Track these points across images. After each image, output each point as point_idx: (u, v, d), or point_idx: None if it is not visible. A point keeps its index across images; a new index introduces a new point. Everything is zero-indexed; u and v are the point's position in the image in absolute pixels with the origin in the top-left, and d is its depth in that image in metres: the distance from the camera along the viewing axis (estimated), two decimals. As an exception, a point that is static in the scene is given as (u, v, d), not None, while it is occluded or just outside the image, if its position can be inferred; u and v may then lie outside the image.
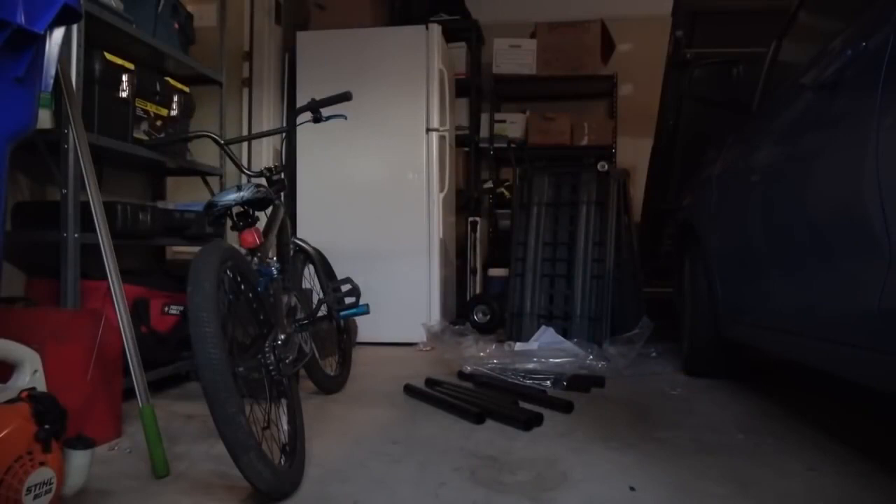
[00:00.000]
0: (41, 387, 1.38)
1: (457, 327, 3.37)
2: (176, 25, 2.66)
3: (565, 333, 3.19)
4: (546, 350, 2.95)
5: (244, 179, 2.46)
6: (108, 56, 2.21)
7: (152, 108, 2.44)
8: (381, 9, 4.35)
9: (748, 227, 2.28)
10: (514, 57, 4.87)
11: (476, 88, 4.98)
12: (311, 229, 3.63)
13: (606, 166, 3.59)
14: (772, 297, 2.10)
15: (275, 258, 2.09)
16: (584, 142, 4.93)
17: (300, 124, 2.47)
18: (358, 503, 1.47)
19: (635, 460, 1.75)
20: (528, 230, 3.53)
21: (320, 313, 2.63)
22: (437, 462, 1.73)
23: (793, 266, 1.89)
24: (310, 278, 2.66)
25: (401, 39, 3.85)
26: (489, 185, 5.09)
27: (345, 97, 2.40)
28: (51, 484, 1.26)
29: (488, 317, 4.23)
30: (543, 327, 3.20)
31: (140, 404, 1.68)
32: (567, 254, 3.43)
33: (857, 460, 1.76)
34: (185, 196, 3.19)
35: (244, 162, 3.32)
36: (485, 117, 5.10)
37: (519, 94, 5.27)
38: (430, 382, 2.64)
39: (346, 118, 2.46)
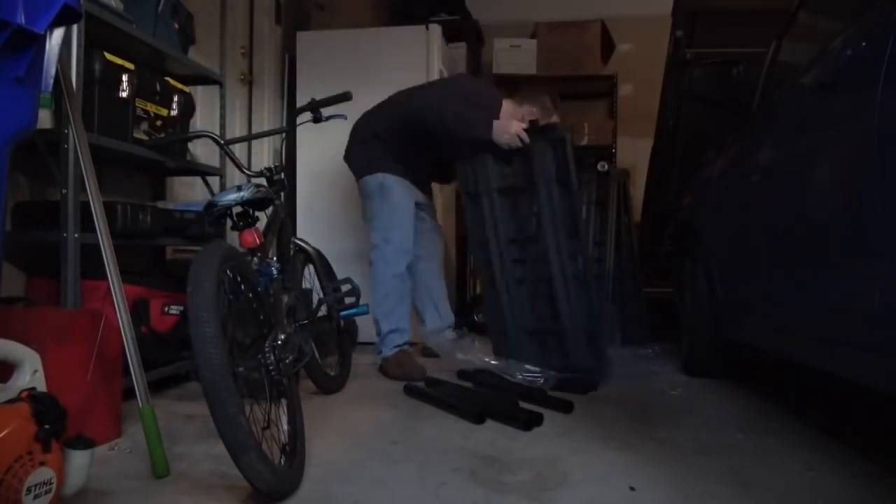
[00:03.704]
0: (41, 387, 1.38)
1: (457, 329, 3.37)
2: (176, 25, 2.65)
3: (557, 351, 2.74)
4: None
5: (244, 179, 2.46)
6: (108, 56, 2.20)
7: (152, 108, 2.44)
8: (381, 9, 4.35)
9: (748, 226, 2.28)
10: (514, 57, 4.87)
11: (476, 88, 4.97)
12: (311, 229, 3.63)
13: (606, 166, 3.58)
14: (772, 297, 2.10)
15: (275, 258, 2.09)
16: (584, 142, 4.91)
17: (300, 124, 2.47)
18: (358, 503, 1.47)
19: (635, 460, 1.75)
20: (485, 226, 3.03)
21: (320, 313, 2.63)
22: (437, 462, 1.73)
23: (793, 266, 1.89)
24: (310, 278, 2.65)
25: (401, 39, 3.84)
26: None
27: (345, 97, 2.40)
28: (51, 484, 1.26)
29: (488, 317, 4.22)
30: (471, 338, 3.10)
31: (140, 404, 1.68)
32: (540, 252, 3.03)
33: (857, 460, 1.76)
34: (185, 196, 3.20)
35: (244, 162, 3.32)
36: (485, 117, 5.08)
37: (519, 94, 5.26)
38: (430, 382, 2.64)
39: (346, 118, 2.47)
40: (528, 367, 2.65)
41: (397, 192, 2.90)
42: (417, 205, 3.03)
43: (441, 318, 3.22)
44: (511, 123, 2.69)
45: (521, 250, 2.77)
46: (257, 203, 1.94)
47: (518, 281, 2.78)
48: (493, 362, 2.80)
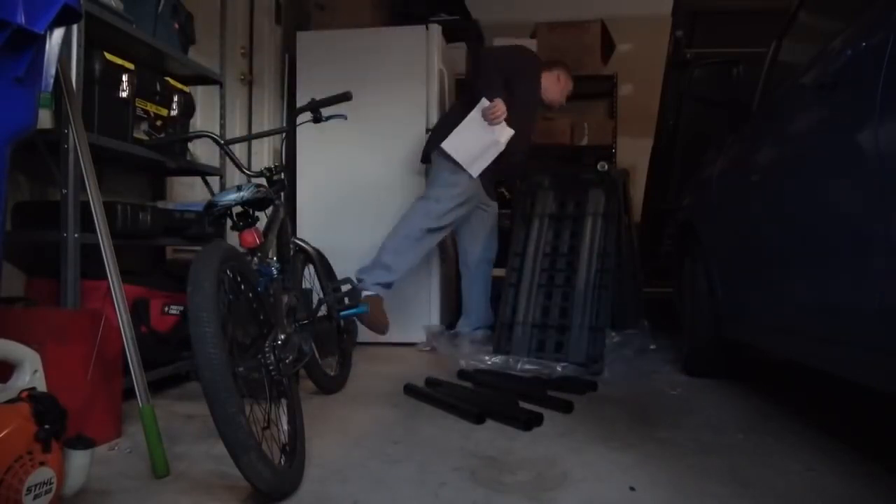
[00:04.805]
0: (41, 387, 1.38)
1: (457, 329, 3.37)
2: (176, 25, 2.65)
3: (560, 346, 2.99)
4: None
5: (244, 179, 2.46)
6: (108, 56, 2.20)
7: (152, 108, 2.44)
8: (381, 9, 4.35)
9: (748, 227, 2.28)
10: (514, 57, 4.86)
11: (476, 88, 4.97)
12: (311, 229, 3.63)
13: (606, 166, 3.59)
14: (772, 296, 2.10)
15: (275, 258, 2.09)
16: (584, 142, 4.92)
17: (300, 124, 2.47)
18: (358, 503, 1.47)
19: (635, 460, 1.75)
20: (528, 241, 3.32)
21: (320, 313, 2.63)
22: (437, 462, 1.73)
23: (792, 266, 1.89)
24: (310, 278, 2.65)
25: (401, 39, 3.84)
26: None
27: (345, 97, 2.40)
28: (51, 484, 1.26)
29: (488, 317, 4.22)
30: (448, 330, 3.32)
31: (140, 404, 1.68)
32: (566, 265, 3.21)
33: (857, 460, 1.76)
34: (185, 196, 3.20)
35: (244, 162, 3.32)
36: (485, 117, 5.08)
37: (519, 94, 5.26)
38: (430, 382, 2.64)
39: (346, 118, 2.46)
40: (528, 360, 2.82)
41: (467, 180, 3.20)
42: (481, 205, 3.38)
43: (483, 318, 3.50)
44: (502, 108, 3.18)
45: (552, 263, 3.24)
46: (257, 203, 1.94)
47: (540, 285, 3.19)
48: (493, 360, 2.81)
